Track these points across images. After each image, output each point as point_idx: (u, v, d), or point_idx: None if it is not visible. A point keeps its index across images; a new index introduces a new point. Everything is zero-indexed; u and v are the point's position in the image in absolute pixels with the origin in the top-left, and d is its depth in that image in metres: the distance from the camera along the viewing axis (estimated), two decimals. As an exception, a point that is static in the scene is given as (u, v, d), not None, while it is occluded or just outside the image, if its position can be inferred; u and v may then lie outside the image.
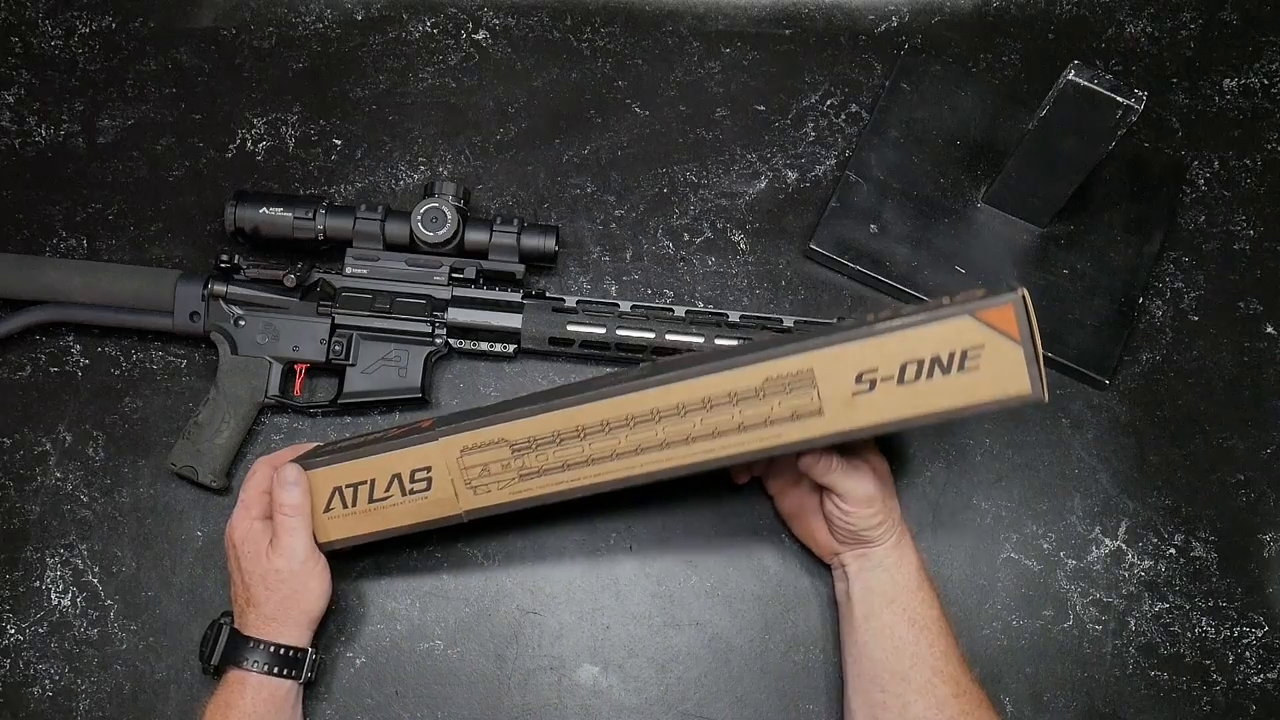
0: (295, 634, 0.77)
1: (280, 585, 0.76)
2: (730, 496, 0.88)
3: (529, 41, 1.00)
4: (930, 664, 0.75)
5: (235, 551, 0.77)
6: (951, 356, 0.65)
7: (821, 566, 0.86)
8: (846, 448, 0.77)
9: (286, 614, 0.76)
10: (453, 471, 0.75)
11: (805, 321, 0.85)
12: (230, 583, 0.79)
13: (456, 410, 0.85)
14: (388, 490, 0.76)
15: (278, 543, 0.76)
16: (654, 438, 0.70)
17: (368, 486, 0.76)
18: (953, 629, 0.77)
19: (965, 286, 0.72)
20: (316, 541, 0.78)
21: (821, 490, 0.78)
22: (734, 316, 0.86)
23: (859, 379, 0.66)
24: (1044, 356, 0.89)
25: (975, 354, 0.64)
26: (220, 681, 0.76)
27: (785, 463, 0.82)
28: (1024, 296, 0.64)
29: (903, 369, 0.65)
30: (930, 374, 0.65)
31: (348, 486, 0.77)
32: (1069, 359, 0.90)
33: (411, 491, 0.76)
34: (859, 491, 0.75)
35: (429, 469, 0.75)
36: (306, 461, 0.77)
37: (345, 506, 0.77)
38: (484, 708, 0.84)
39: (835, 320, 0.83)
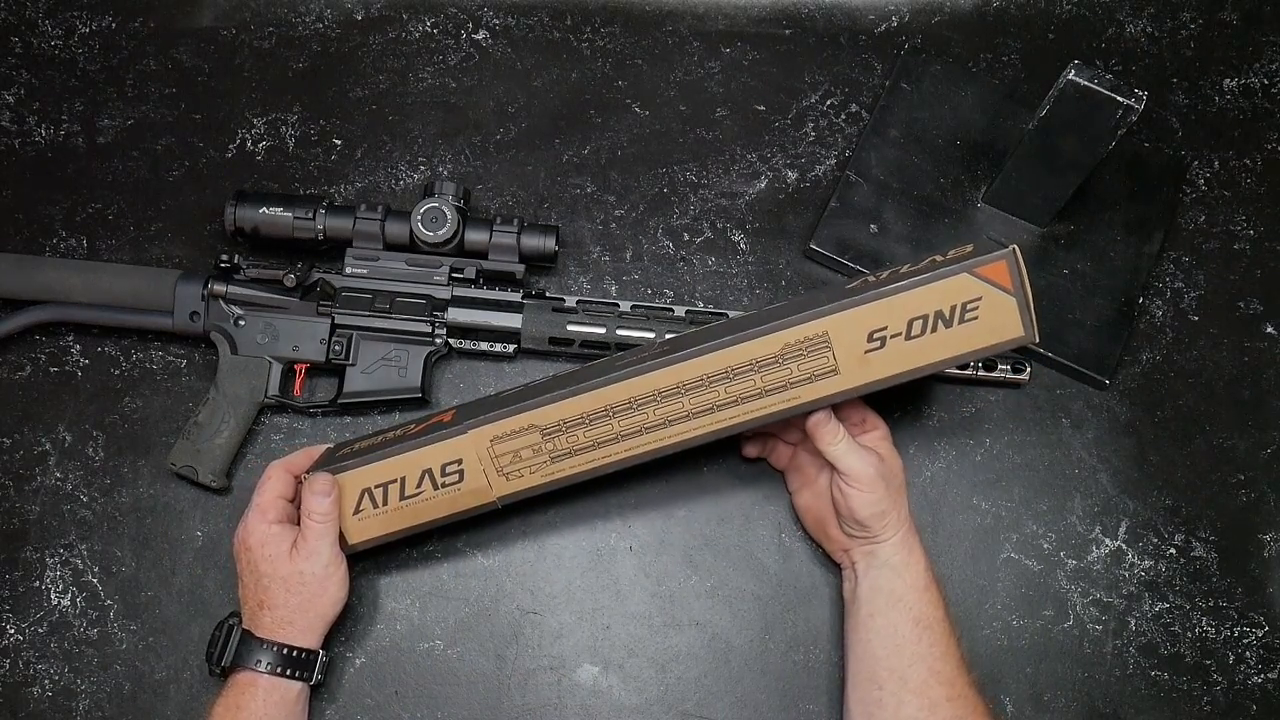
0: (307, 637, 0.77)
1: (302, 588, 0.76)
2: (730, 496, 0.88)
3: (529, 41, 1.00)
4: (928, 664, 0.75)
5: (251, 555, 0.77)
6: (953, 310, 0.71)
7: (822, 567, 0.86)
8: (852, 417, 0.80)
9: (303, 617, 0.76)
10: (484, 461, 0.76)
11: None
12: (240, 585, 0.79)
13: (476, 400, 0.85)
14: (419, 486, 0.77)
15: (304, 545, 0.76)
16: (680, 409, 0.74)
17: (398, 485, 0.77)
18: (957, 632, 0.77)
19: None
20: (348, 543, 0.78)
21: (831, 477, 0.79)
22: (734, 316, 0.86)
23: (870, 338, 0.72)
24: (1044, 356, 0.90)
25: (974, 306, 0.71)
26: (227, 683, 0.76)
27: (804, 457, 0.83)
28: (1015, 251, 0.70)
29: (910, 325, 0.71)
30: (935, 328, 0.71)
31: (377, 487, 0.77)
32: (1069, 359, 0.90)
33: (444, 485, 0.77)
34: (861, 470, 0.76)
35: (460, 461, 0.76)
36: (333, 466, 0.78)
37: (376, 506, 0.78)
38: (484, 708, 0.84)
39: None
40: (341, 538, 0.78)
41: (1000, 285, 0.70)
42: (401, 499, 0.77)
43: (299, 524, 0.79)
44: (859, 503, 0.76)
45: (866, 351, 0.72)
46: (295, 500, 0.81)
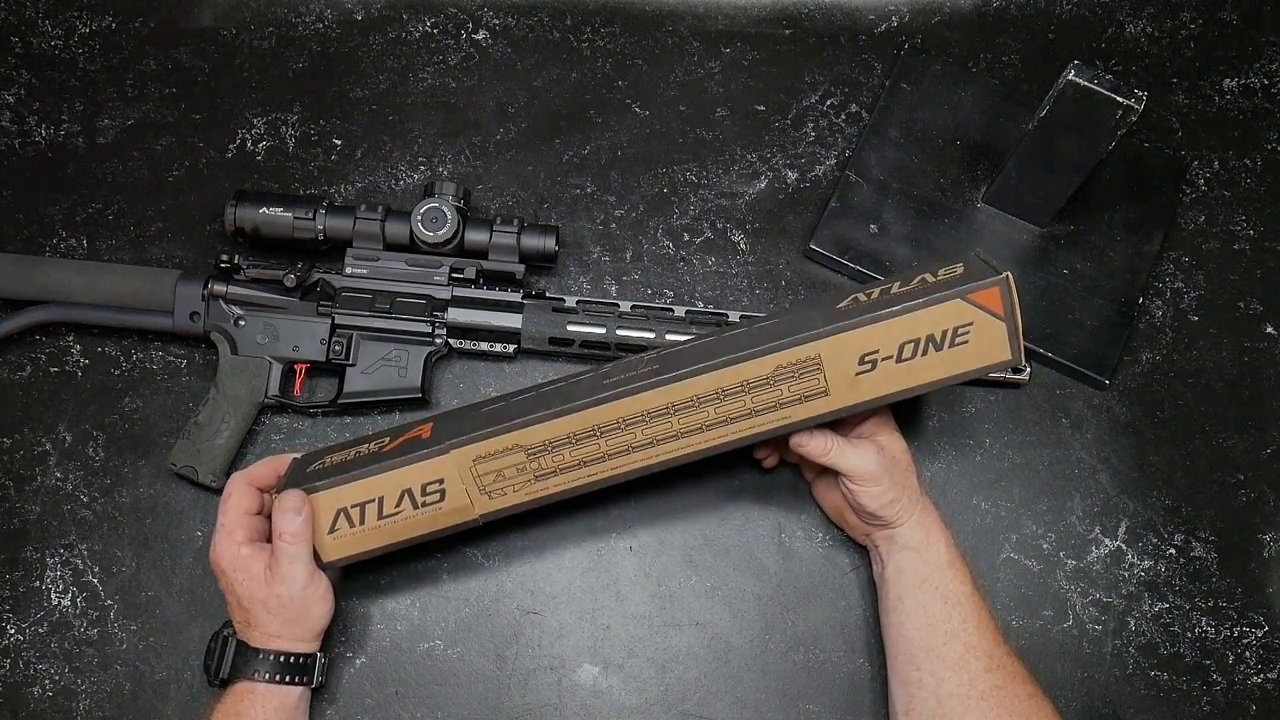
0: (301, 645, 0.76)
1: (282, 610, 0.74)
2: (730, 497, 0.88)
3: (529, 41, 1.00)
4: (964, 639, 0.75)
5: (227, 578, 0.75)
6: (944, 334, 0.71)
7: (822, 567, 0.86)
8: (847, 426, 0.80)
9: (291, 631, 0.75)
10: (466, 480, 0.75)
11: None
12: (226, 603, 0.77)
13: (452, 409, 0.85)
14: (398, 505, 0.75)
15: (278, 570, 0.73)
16: (669, 429, 0.74)
17: (376, 504, 0.75)
18: (987, 603, 0.78)
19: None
20: (322, 561, 0.76)
21: (837, 474, 0.79)
22: (734, 316, 0.86)
23: (862, 361, 0.72)
24: (1044, 356, 0.90)
25: (964, 331, 0.71)
26: (226, 691, 0.75)
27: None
28: (1009, 279, 0.70)
29: (901, 348, 0.72)
30: (925, 351, 0.72)
31: (354, 506, 0.75)
32: (1069, 359, 0.90)
33: (424, 504, 0.75)
34: (860, 468, 0.76)
35: (441, 481, 0.75)
36: (305, 485, 0.75)
37: (352, 525, 0.75)
38: (484, 708, 0.84)
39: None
40: (316, 555, 0.76)
41: (992, 311, 0.71)
42: (380, 518, 0.75)
43: (269, 540, 0.76)
44: (866, 497, 0.77)
45: (857, 374, 0.72)
46: (263, 512, 0.78)
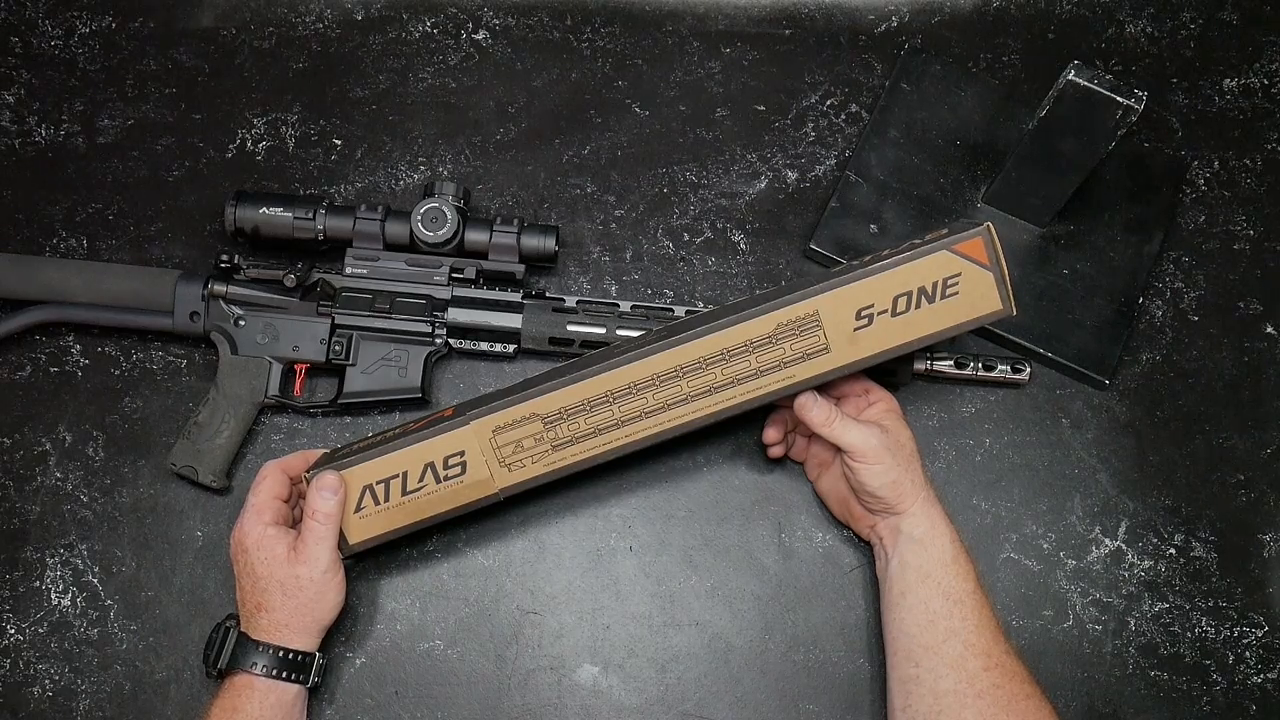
0: (304, 640, 0.77)
1: (299, 592, 0.76)
2: (730, 496, 0.88)
3: (529, 41, 1.00)
4: (963, 637, 0.75)
5: (248, 556, 0.77)
6: (935, 286, 0.74)
7: (822, 566, 0.86)
8: (854, 411, 0.81)
9: (300, 620, 0.76)
10: (486, 452, 0.77)
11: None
12: (238, 586, 0.79)
13: (475, 398, 0.85)
14: (421, 480, 0.77)
15: (303, 550, 0.76)
16: (679, 393, 0.76)
17: (400, 480, 0.77)
18: (989, 601, 0.78)
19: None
20: (348, 543, 0.78)
21: (840, 455, 0.80)
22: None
23: (859, 315, 0.75)
24: (1044, 356, 0.90)
25: (954, 281, 0.74)
26: (224, 685, 0.76)
27: (818, 444, 0.85)
28: (990, 228, 0.74)
29: (895, 302, 0.75)
30: (919, 304, 0.75)
31: (379, 482, 0.77)
32: (1069, 359, 0.90)
33: (446, 478, 0.77)
34: (861, 443, 0.77)
35: (462, 453, 0.77)
36: (336, 463, 0.78)
37: (377, 503, 0.78)
38: (484, 708, 0.84)
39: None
40: (342, 537, 0.78)
41: (977, 260, 0.74)
42: (404, 494, 0.78)
43: (294, 526, 0.79)
44: (867, 475, 0.77)
45: (855, 329, 0.75)
46: (290, 502, 0.81)
